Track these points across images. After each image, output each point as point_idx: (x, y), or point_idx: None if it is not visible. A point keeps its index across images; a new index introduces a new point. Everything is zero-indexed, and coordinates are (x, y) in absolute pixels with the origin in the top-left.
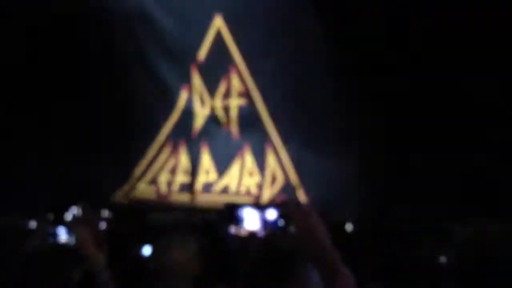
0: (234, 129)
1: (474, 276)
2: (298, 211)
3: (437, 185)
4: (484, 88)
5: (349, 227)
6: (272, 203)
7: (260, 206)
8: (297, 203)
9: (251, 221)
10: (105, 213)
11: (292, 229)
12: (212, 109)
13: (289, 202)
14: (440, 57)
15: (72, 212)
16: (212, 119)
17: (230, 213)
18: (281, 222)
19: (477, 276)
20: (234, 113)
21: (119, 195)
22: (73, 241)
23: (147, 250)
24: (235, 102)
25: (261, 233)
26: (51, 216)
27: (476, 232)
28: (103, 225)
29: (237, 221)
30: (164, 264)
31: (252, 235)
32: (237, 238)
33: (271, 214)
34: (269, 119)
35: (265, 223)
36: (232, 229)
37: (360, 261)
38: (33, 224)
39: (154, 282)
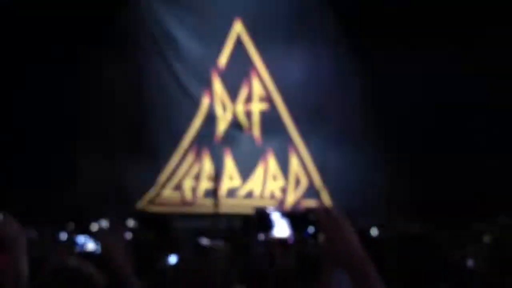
0: (257, 133)
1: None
2: (328, 217)
3: (463, 185)
4: None
5: (374, 232)
6: (301, 209)
7: (289, 213)
8: (326, 209)
9: (280, 227)
10: (131, 222)
11: (322, 235)
12: (234, 114)
13: (318, 209)
14: None
15: (100, 224)
16: (235, 124)
17: (260, 219)
18: (311, 229)
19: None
20: (256, 117)
21: (144, 202)
22: (99, 250)
23: (173, 259)
24: (257, 107)
25: (291, 240)
26: (77, 226)
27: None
28: (128, 235)
29: (267, 227)
30: (190, 272)
31: (281, 241)
32: (265, 244)
33: (301, 221)
34: (291, 122)
35: (294, 230)
36: (261, 236)
37: (386, 267)
38: (63, 235)
39: None
